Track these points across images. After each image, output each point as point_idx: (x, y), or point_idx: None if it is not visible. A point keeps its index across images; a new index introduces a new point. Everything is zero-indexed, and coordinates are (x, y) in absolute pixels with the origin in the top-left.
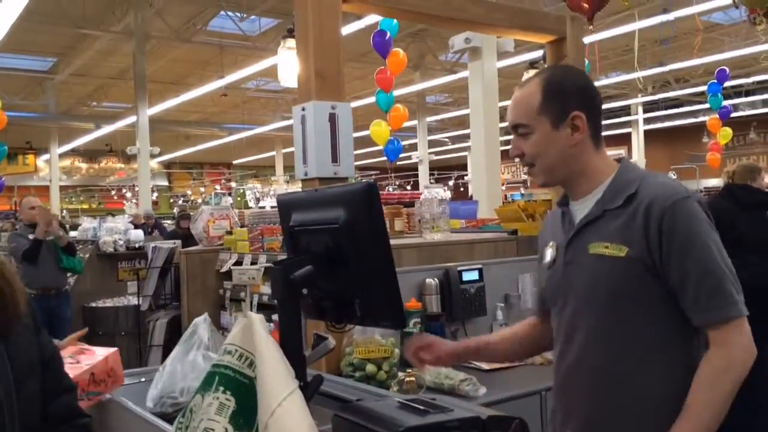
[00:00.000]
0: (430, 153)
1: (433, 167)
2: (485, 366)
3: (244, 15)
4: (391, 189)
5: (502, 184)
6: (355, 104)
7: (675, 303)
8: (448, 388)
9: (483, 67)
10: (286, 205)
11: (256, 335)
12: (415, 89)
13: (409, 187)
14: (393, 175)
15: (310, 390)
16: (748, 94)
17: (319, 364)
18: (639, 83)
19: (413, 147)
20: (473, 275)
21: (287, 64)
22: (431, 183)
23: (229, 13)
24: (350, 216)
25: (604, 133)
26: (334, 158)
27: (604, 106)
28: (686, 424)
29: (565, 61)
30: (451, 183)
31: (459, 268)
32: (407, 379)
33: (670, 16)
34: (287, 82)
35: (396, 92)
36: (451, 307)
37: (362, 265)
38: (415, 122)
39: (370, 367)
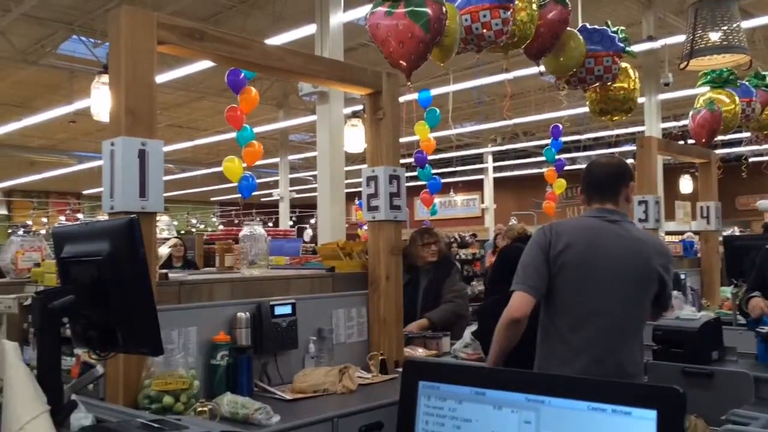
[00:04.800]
0: (291, 191)
1: (296, 205)
2: (288, 396)
3: (98, 41)
4: None
5: (359, 223)
6: (219, 138)
7: None
8: (242, 418)
9: (330, 111)
10: (60, 237)
11: (7, 362)
12: (278, 127)
13: (270, 224)
14: (255, 211)
15: (62, 414)
16: (585, 149)
17: (116, 396)
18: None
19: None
20: (286, 309)
21: (101, 98)
22: (292, 221)
23: (82, 38)
24: (113, 249)
25: (459, 179)
26: (142, 193)
27: (460, 153)
28: None
29: (380, 113)
30: (313, 221)
31: (271, 303)
32: (200, 409)
33: (509, 76)
34: (101, 116)
35: (260, 129)
36: (261, 340)
37: (123, 295)
38: (278, 159)
39: (167, 399)
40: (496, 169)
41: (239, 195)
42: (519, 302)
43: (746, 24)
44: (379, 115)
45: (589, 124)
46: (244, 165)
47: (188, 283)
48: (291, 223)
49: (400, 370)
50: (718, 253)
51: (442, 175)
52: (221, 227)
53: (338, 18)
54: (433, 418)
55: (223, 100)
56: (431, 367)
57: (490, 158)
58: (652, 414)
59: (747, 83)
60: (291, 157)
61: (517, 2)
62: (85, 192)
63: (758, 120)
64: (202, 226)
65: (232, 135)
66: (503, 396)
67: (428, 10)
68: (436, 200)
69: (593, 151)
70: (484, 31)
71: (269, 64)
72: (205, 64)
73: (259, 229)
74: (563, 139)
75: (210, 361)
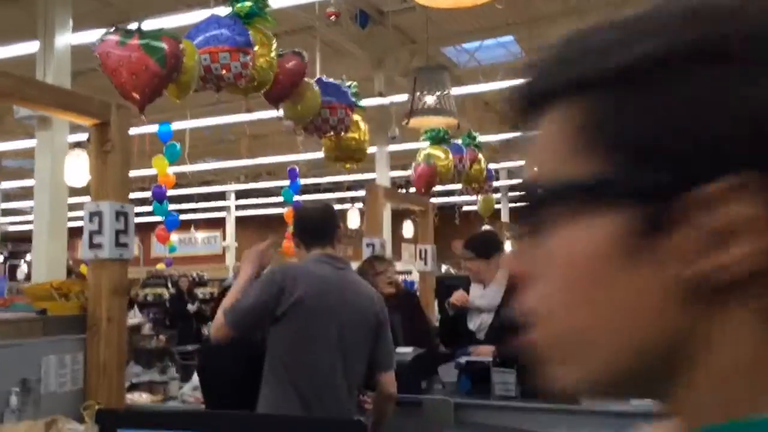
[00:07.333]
0: (3, 223)
1: (8, 238)
2: None
3: None
4: None
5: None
6: None
7: None
8: None
9: (53, 138)
10: None
11: None
12: None
13: None
14: None
15: None
16: (326, 191)
17: None
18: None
19: None
20: None
21: None
22: (3, 256)
23: None
24: None
25: (199, 216)
26: None
27: (201, 191)
28: None
29: (108, 145)
30: (29, 257)
31: None
32: None
33: (254, 116)
34: None
35: None
36: None
37: None
38: None
39: None
40: (239, 207)
41: None
42: (224, 329)
43: (459, 91)
44: (107, 148)
45: (327, 167)
46: None
47: None
48: (1, 258)
49: None
50: (433, 290)
51: (183, 211)
52: None
53: (65, 39)
54: None
55: None
56: (130, 414)
57: (233, 196)
58: None
59: (460, 142)
60: (4, 185)
61: (256, 48)
62: None
63: (468, 174)
64: None
65: None
66: None
67: (164, 45)
68: (177, 237)
69: (333, 194)
70: (224, 72)
71: None
72: None
73: None
74: (304, 181)
75: None
